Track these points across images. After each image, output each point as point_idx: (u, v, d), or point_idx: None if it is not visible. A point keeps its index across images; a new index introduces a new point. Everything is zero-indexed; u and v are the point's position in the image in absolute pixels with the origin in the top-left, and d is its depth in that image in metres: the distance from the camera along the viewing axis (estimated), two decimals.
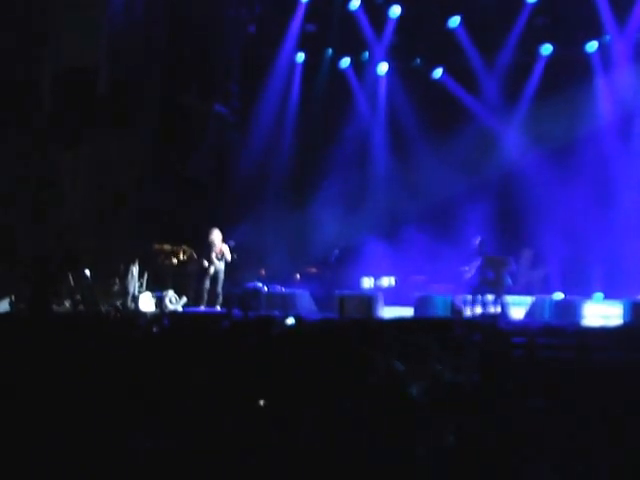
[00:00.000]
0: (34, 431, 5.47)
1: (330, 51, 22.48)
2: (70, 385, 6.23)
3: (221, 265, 17.68)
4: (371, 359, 7.03)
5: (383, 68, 22.22)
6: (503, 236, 19.11)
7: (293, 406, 5.81)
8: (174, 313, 16.57)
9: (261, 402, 6.14)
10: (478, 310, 16.51)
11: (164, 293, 17.77)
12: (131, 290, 17.58)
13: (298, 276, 20.28)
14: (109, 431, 5.46)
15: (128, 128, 20.43)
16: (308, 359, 7.18)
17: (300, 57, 22.61)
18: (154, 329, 10.44)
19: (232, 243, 17.78)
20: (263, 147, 22.12)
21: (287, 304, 17.27)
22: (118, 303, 17.26)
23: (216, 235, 17.80)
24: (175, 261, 19.21)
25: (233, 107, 22.23)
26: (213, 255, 17.60)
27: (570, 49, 20.09)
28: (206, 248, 17.71)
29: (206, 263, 17.55)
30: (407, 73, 21.92)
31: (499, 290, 16.52)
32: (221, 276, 17.69)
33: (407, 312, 17.18)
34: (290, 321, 7.28)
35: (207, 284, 17.62)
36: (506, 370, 6.83)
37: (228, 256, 17.69)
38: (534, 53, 20.62)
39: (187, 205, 21.01)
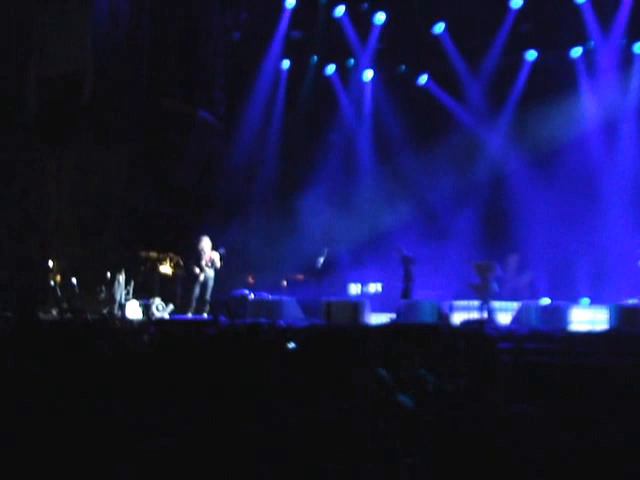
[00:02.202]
0: (21, 437, 5.48)
1: (315, 58, 22.53)
2: (56, 393, 6.23)
3: (210, 273, 17.68)
4: (357, 366, 7.06)
5: (368, 75, 22.29)
6: (489, 241, 19.18)
7: (280, 412, 5.82)
8: (161, 321, 16.56)
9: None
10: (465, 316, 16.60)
11: (151, 301, 17.76)
12: (118, 298, 17.57)
13: (285, 283, 20.27)
14: (95, 437, 5.47)
15: (113, 134, 20.40)
16: (294, 366, 7.20)
17: (285, 64, 22.66)
18: (141, 337, 10.44)
19: (222, 250, 17.79)
20: (249, 154, 22.14)
21: (274, 311, 17.26)
22: (105, 311, 17.22)
23: (206, 243, 17.80)
24: (161, 269, 19.20)
25: (218, 114, 22.25)
26: (203, 263, 17.60)
27: (555, 55, 20.16)
28: (196, 256, 17.70)
29: (197, 270, 17.55)
30: (392, 80, 21.98)
31: (485, 295, 16.56)
32: (210, 284, 17.69)
33: (393, 318, 17.23)
34: (291, 345, 7.29)
35: (197, 291, 17.62)
36: (493, 376, 6.87)
37: (218, 264, 17.69)
38: (519, 59, 20.69)
39: (173, 212, 21.00)
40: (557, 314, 16.11)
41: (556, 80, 19.83)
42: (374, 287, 20.83)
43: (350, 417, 5.69)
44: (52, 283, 18.21)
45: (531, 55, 20.58)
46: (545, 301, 17.63)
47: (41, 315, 15.97)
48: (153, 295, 18.17)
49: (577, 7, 19.53)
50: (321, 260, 18.75)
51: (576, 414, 5.74)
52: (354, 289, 20.76)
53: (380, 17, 21.58)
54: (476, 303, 16.81)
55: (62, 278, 18.37)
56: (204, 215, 21.21)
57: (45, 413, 5.82)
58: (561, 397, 6.22)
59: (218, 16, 22.12)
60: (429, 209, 20.76)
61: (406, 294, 17.62)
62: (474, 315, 16.64)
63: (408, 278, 17.74)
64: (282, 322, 14.75)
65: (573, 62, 20.12)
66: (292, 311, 17.75)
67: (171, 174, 21.36)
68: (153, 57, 21.13)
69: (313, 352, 7.91)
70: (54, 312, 16.86)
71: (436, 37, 21.16)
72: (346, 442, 5.37)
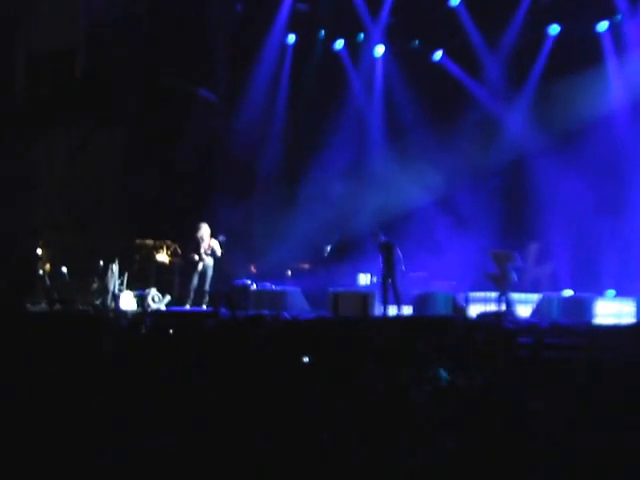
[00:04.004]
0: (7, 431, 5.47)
1: (323, 32, 22.45)
2: (44, 388, 6.21)
3: (210, 262, 17.65)
4: (368, 361, 7.03)
5: (379, 50, 22.18)
6: (508, 229, 19.12)
7: (283, 411, 5.80)
8: (157, 312, 16.55)
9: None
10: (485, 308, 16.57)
11: (146, 291, 17.76)
12: (111, 288, 17.56)
13: (289, 272, 20.26)
14: (84, 433, 5.46)
15: (107, 114, 20.37)
16: (299, 361, 7.17)
17: (291, 39, 22.56)
18: (135, 329, 10.43)
19: (222, 238, 17.74)
20: (252, 135, 22.06)
21: (277, 302, 17.25)
22: (97, 302, 17.23)
23: (205, 230, 17.76)
24: (158, 257, 19.19)
25: (220, 92, 22.19)
26: (202, 251, 17.57)
27: (579, 29, 20.00)
28: (195, 243, 17.67)
29: (196, 258, 17.52)
30: (405, 56, 21.86)
31: (504, 287, 16.52)
32: (209, 273, 17.67)
33: (406, 311, 17.20)
34: (306, 359, 7.26)
35: (195, 281, 17.60)
36: (510, 372, 6.83)
37: (218, 252, 17.66)
38: (541, 33, 20.55)
39: (172, 197, 20.98)
40: (580, 307, 16.09)
41: (581, 56, 19.68)
42: None
43: (361, 417, 5.67)
44: (41, 272, 18.23)
45: (554, 29, 20.44)
46: (567, 293, 17.59)
47: (29, 306, 16.00)
48: (149, 285, 18.16)
49: None
50: (329, 248, 18.71)
51: (600, 414, 5.70)
52: (363, 279, 20.73)
53: None
54: (494, 295, 16.78)
55: (51, 267, 18.39)
56: (204, 200, 21.15)
57: (29, 410, 5.80)
58: (583, 396, 6.17)
59: None
60: (443, 193, 20.68)
61: (386, 281, 17.21)
62: (491, 307, 16.61)
63: (389, 267, 17.37)
64: (286, 314, 14.72)
65: (599, 37, 19.99)
66: (297, 302, 17.76)
67: (169, 156, 21.33)
68: (150, 31, 21.07)
69: (319, 346, 7.88)
70: (43, 303, 16.87)
71: (452, 10, 21.05)
72: (358, 442, 5.35)
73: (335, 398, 5.94)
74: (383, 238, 17.42)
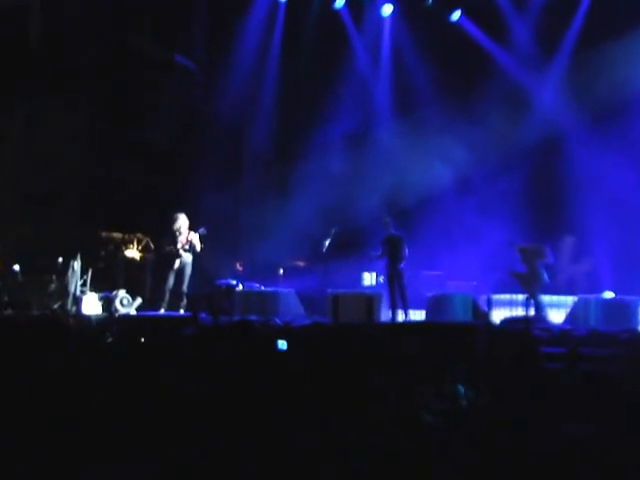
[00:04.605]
0: None
1: None
2: None
3: (188, 258, 17.64)
4: (373, 377, 7.05)
5: (387, 9, 22.20)
6: (538, 219, 19.12)
7: (276, 444, 5.83)
8: (126, 318, 16.57)
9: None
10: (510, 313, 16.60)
11: (114, 293, 17.77)
12: (72, 289, 17.58)
13: (281, 271, 20.27)
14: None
15: (68, 85, 20.35)
16: (294, 375, 7.19)
17: None
18: (101, 337, 10.46)
19: (203, 231, 17.72)
20: (238, 108, 22.05)
21: (267, 306, 17.27)
22: (56, 306, 17.24)
23: (182, 221, 17.74)
24: (127, 253, 19.19)
25: (199, 58, 22.18)
26: (179, 245, 17.57)
27: None
28: (170, 237, 17.65)
29: (172, 253, 17.51)
30: (417, 15, 21.86)
31: (533, 287, 16.55)
32: (188, 272, 17.64)
33: (417, 316, 17.22)
34: (282, 345, 7.28)
35: (170, 281, 17.58)
36: (540, 388, 6.86)
37: (197, 247, 17.65)
38: None
39: (144, 182, 20.98)
40: (623, 311, 16.09)
41: (623, 18, 19.70)
42: None
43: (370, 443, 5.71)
44: None
45: None
46: (608, 295, 17.60)
47: None
48: (116, 286, 18.17)
49: None
50: (328, 242, 18.71)
51: None
52: (368, 279, 20.74)
53: None
54: (521, 297, 16.80)
55: (1, 264, 18.38)
56: (181, 186, 21.18)
57: None
58: (628, 416, 6.20)
59: None
60: (462, 177, 20.70)
61: (392, 281, 17.20)
62: (518, 312, 16.63)
63: (394, 264, 17.27)
64: (278, 320, 14.76)
65: None
66: (290, 306, 17.76)
67: (141, 134, 21.32)
68: None
69: (316, 358, 7.90)
70: None
71: None
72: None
73: (335, 423, 5.96)
74: (393, 230, 17.37)
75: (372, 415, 6.14)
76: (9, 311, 16.63)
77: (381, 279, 18.85)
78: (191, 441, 5.89)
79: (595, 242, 19.37)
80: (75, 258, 17.66)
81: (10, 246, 18.70)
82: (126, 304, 17.73)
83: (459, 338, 10.43)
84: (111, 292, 17.82)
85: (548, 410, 6.37)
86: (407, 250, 17.13)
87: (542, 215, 19.38)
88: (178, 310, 17.41)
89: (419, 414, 5.99)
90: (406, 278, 17.09)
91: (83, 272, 17.79)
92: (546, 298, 17.06)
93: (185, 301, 17.52)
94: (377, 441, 5.73)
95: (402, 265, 17.05)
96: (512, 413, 6.15)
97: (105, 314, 17.03)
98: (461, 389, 6.42)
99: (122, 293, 17.85)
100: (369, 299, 17.04)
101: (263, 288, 18.72)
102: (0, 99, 20.13)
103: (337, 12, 22.46)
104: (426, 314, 17.18)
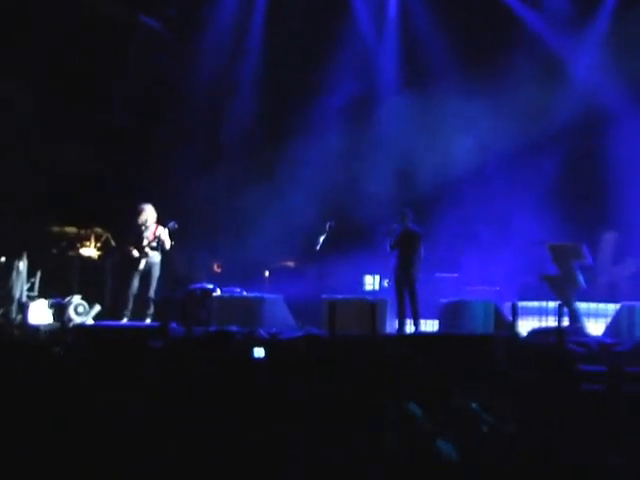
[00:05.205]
0: None
1: None
2: None
3: (156, 257, 17.65)
4: (378, 398, 7.04)
5: None
6: (573, 212, 19.13)
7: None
8: (82, 328, 16.56)
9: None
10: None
11: (67, 299, 17.76)
12: (17, 295, 17.57)
13: (267, 273, 20.27)
14: None
15: (13, 53, 20.36)
16: (280, 399, 7.17)
17: None
18: (50, 351, 10.44)
19: (173, 225, 17.71)
20: (215, 79, 22.03)
21: (251, 315, 17.27)
22: None
23: (149, 213, 17.74)
24: (83, 251, 19.18)
25: (168, 18, 22.15)
26: (145, 242, 17.56)
27: None
28: (135, 232, 17.66)
29: (135, 253, 17.52)
30: None
31: (567, 293, 16.56)
32: (155, 273, 17.65)
33: (430, 327, 17.22)
34: (259, 353, 7.27)
35: (135, 285, 17.58)
36: (576, 414, 6.83)
37: (167, 244, 17.65)
38: None
39: (103, 167, 20.97)
40: None
41: None
42: None
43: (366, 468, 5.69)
44: None
45: None
46: None
47: None
48: (70, 291, 18.16)
49: None
50: (322, 238, 18.72)
51: None
52: (371, 282, 20.75)
53: None
54: (552, 304, 16.79)
55: None
56: (148, 172, 21.16)
57: None
58: None
59: None
60: (482, 161, 20.69)
61: (401, 285, 17.22)
62: (549, 322, 16.62)
63: (407, 265, 17.22)
64: (263, 331, 14.75)
65: None
66: (278, 314, 17.76)
67: (99, 111, 21.30)
68: None
69: (309, 378, 7.89)
70: None
71: None
72: None
73: (334, 452, 5.95)
74: (410, 225, 17.27)
75: (373, 445, 6.11)
76: None
77: (386, 283, 18.80)
78: None
79: None
80: (20, 258, 17.66)
81: None
82: (82, 312, 17.73)
83: (479, 353, 10.41)
84: (64, 298, 17.82)
85: (586, 441, 6.35)
86: (423, 251, 17.01)
87: (579, 207, 19.41)
88: (144, 319, 17.41)
89: (430, 442, 5.96)
90: (418, 282, 17.04)
91: (30, 274, 17.79)
92: (583, 306, 17.07)
93: (152, 309, 17.52)
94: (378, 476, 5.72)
95: (415, 269, 16.96)
96: (542, 444, 6.12)
97: (56, 324, 17.03)
98: (480, 412, 6.40)
99: (77, 299, 17.85)
100: (372, 307, 17.00)
101: (245, 293, 18.71)
102: None
103: None
104: (439, 325, 17.17)
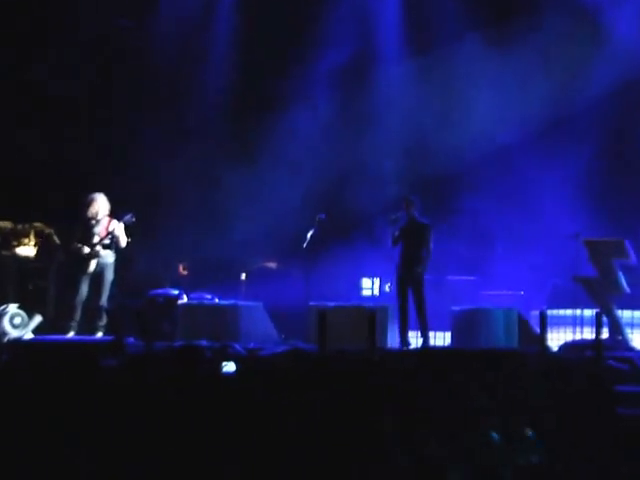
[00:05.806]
0: None
1: None
2: None
3: (109, 257, 17.68)
4: (377, 424, 7.08)
5: None
6: (614, 203, 19.19)
7: None
8: (19, 343, 16.58)
9: None
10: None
11: (1, 308, 17.79)
12: None
13: (244, 275, 20.32)
14: None
15: None
16: (259, 424, 7.20)
17: None
18: None
19: (130, 218, 17.74)
20: (182, 44, 22.07)
21: (224, 326, 17.28)
22: None
23: (101, 204, 17.77)
24: (20, 250, 19.22)
25: None
26: (95, 240, 17.60)
27: None
28: (83, 227, 17.68)
29: (85, 252, 17.55)
30: None
31: (606, 299, 16.60)
32: (108, 277, 17.68)
33: (441, 340, 17.26)
34: (229, 367, 7.31)
35: (83, 291, 17.61)
36: (616, 441, 6.86)
37: (122, 241, 17.67)
38: None
39: (45, 149, 21.00)
40: None
41: None
42: None
43: None
44: None
45: None
46: None
47: None
48: (5, 299, 18.19)
49: None
50: (310, 234, 18.77)
51: None
52: (369, 287, 20.80)
53: None
54: (589, 313, 16.82)
55: None
56: (99, 155, 21.19)
57: None
58: None
59: None
60: (507, 141, 20.72)
61: (405, 289, 17.20)
62: (585, 334, 16.67)
63: (412, 264, 17.20)
64: (238, 346, 14.75)
65: None
66: (257, 326, 17.76)
67: (42, 82, 21.34)
68: None
69: (295, 401, 7.93)
70: None
71: None
72: None
73: None
74: (417, 215, 17.21)
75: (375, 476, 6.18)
76: None
77: (388, 287, 18.86)
78: None
79: None
80: None
81: None
82: (19, 324, 17.72)
83: (500, 371, 10.45)
84: None
85: (627, 472, 6.39)
86: (432, 247, 16.89)
87: (621, 198, 19.47)
88: (95, 333, 17.44)
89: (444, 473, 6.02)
90: (426, 286, 17.04)
91: None
92: (625, 314, 17.11)
93: (105, 320, 17.55)
94: None
95: (422, 267, 16.91)
96: (575, 475, 6.17)
97: None
98: (496, 439, 6.44)
99: (13, 309, 17.85)
100: (371, 316, 17.03)
101: (217, 300, 18.75)
102: None
103: None
104: (452, 337, 17.21)
